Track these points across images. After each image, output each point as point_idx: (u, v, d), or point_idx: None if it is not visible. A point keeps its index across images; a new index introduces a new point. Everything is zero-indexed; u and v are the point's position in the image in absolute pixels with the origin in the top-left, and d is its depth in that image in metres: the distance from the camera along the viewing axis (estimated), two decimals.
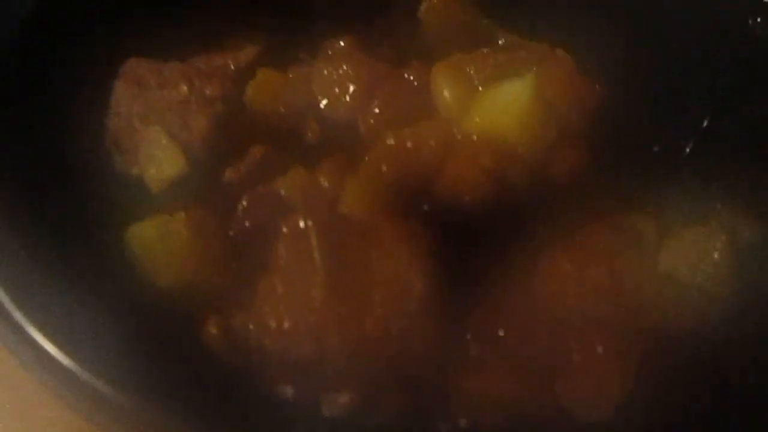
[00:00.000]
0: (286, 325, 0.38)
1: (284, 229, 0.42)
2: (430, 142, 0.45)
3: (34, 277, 0.33)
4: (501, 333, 0.39)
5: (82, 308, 0.33)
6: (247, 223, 0.45)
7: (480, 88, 0.52)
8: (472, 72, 0.53)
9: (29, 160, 0.40)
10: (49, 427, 0.45)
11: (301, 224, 0.42)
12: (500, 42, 0.65)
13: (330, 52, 0.56)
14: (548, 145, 0.46)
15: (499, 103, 0.46)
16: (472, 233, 0.44)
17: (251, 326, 0.41)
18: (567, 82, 0.49)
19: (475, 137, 0.46)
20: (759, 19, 0.51)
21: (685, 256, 0.42)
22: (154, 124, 0.47)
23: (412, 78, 0.54)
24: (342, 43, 0.56)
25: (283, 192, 0.47)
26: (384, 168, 0.45)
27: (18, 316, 0.31)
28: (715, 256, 0.41)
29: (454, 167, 0.45)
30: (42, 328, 0.31)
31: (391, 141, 0.45)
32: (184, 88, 0.48)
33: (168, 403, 0.31)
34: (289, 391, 0.38)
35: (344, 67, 0.52)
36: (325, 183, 0.50)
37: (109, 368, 0.31)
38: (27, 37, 0.44)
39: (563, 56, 0.58)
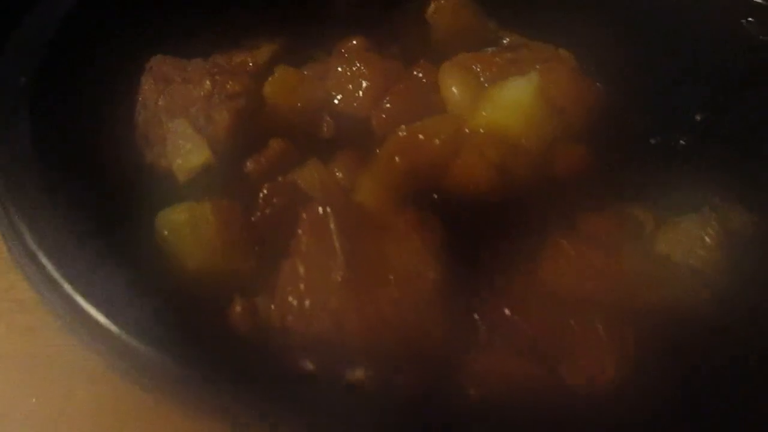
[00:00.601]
0: (307, 303, 0.41)
1: (304, 216, 0.44)
2: (440, 135, 0.48)
3: (81, 255, 0.36)
4: (507, 313, 0.42)
5: (121, 281, 0.36)
6: (267, 211, 0.47)
7: (486, 86, 0.54)
8: (478, 70, 0.55)
9: (72, 155, 0.43)
10: (84, 402, 0.48)
11: (320, 211, 0.44)
12: (505, 42, 0.67)
13: (343, 51, 0.59)
14: (551, 139, 0.49)
15: (505, 100, 0.48)
16: (480, 221, 0.47)
17: (273, 306, 0.44)
18: (569, 80, 0.51)
19: (482, 131, 0.48)
20: (751, 19, 0.53)
21: (680, 241, 0.45)
22: (180, 117, 0.49)
23: (421, 76, 0.56)
24: (355, 43, 0.59)
25: (300, 182, 0.50)
26: (397, 159, 0.47)
27: (68, 288, 0.35)
28: (707, 241, 0.44)
29: (462, 159, 0.47)
30: (88, 298, 0.35)
31: (403, 133, 0.48)
32: (208, 83, 0.50)
33: (193, 361, 0.34)
34: (309, 365, 0.41)
35: (357, 65, 0.55)
36: (339, 175, 0.52)
37: (144, 331, 0.34)
38: (63, 37, 0.47)
39: (566, 56, 0.61)
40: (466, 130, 0.49)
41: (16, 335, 0.51)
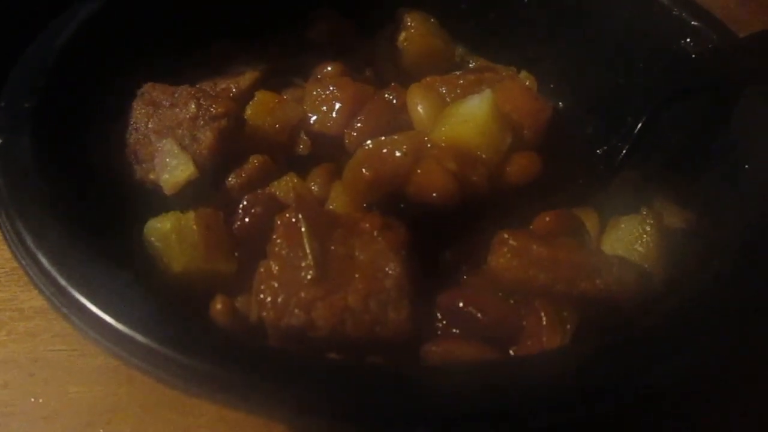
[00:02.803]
0: (280, 300, 0.45)
1: (278, 222, 0.49)
2: (403, 148, 0.52)
3: (80, 259, 0.41)
4: (461, 305, 0.46)
5: (116, 281, 0.41)
6: (247, 219, 0.51)
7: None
8: (444, 91, 0.60)
9: (70, 171, 0.48)
10: (81, 402, 0.52)
11: (293, 217, 0.48)
12: (471, 65, 0.72)
13: (319, 77, 0.64)
14: (505, 150, 0.53)
15: (462, 115, 0.53)
16: (439, 223, 0.51)
17: (251, 304, 0.48)
18: (522, 98, 0.55)
19: (443, 144, 0.53)
20: (689, 40, 0.58)
21: (621, 240, 0.50)
22: (167, 138, 0.54)
23: (391, 98, 0.61)
24: (330, 69, 0.64)
25: (278, 194, 0.55)
26: (363, 170, 0.52)
27: (69, 287, 0.39)
28: (646, 238, 0.49)
29: (423, 169, 0.51)
30: (87, 295, 0.39)
31: (369, 146, 0.52)
32: (193, 106, 0.55)
33: (188, 347, 0.38)
34: None
35: (331, 89, 0.59)
36: (315, 188, 0.57)
37: (139, 322, 0.38)
38: (62, 65, 0.52)
39: (524, 76, 0.66)
40: (428, 144, 0.53)
41: (18, 341, 0.55)
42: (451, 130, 0.53)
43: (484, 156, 0.52)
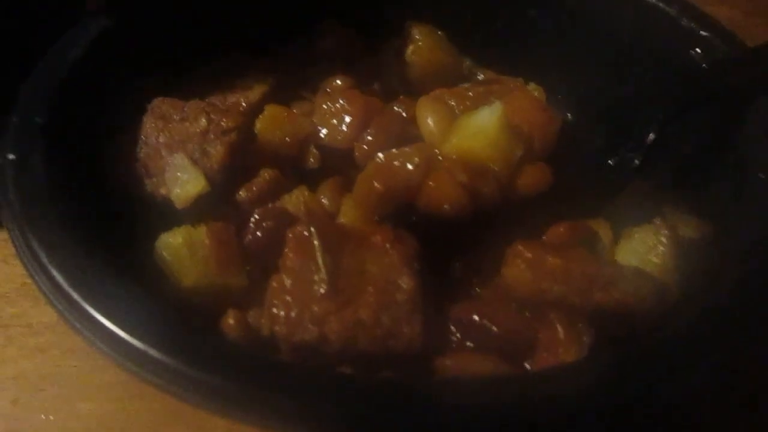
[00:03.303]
0: (293, 314, 0.45)
1: (290, 236, 0.48)
2: (414, 161, 0.52)
3: (93, 274, 0.41)
4: (476, 318, 0.46)
5: (129, 295, 0.40)
6: (258, 233, 0.51)
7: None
8: (452, 103, 0.60)
9: (81, 186, 0.48)
10: (91, 418, 0.51)
11: (304, 231, 0.48)
12: (480, 78, 0.72)
13: (328, 90, 0.64)
14: (515, 163, 0.53)
15: (472, 127, 0.53)
16: (451, 235, 0.51)
17: (263, 318, 0.48)
18: (530, 108, 0.55)
19: (453, 157, 0.53)
20: (698, 50, 0.58)
21: (635, 250, 0.49)
22: (178, 152, 0.54)
23: (400, 110, 0.61)
24: (339, 82, 0.64)
25: (288, 207, 0.55)
26: (374, 183, 0.52)
27: (82, 302, 0.39)
28: (661, 249, 0.48)
29: (435, 182, 0.52)
30: (100, 310, 0.39)
31: (380, 160, 0.52)
32: (203, 121, 0.55)
33: (196, 360, 0.38)
34: None
35: (341, 102, 0.59)
36: (325, 201, 0.57)
37: (151, 335, 0.38)
38: (73, 81, 0.52)
39: (533, 88, 0.66)
40: (439, 157, 0.53)
41: (27, 357, 0.55)
42: (462, 142, 0.53)
43: (495, 168, 0.52)
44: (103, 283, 0.40)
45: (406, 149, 0.53)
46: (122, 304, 0.40)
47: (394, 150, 0.53)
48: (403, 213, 0.53)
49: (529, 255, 0.45)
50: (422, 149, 0.54)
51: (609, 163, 0.54)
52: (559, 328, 0.43)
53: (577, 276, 0.44)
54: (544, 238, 0.49)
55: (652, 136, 0.52)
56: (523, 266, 0.45)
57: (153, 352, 0.37)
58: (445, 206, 0.51)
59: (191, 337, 0.40)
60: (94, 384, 0.53)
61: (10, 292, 0.59)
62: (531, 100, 0.56)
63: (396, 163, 0.52)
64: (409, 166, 0.52)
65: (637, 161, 0.53)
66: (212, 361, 0.39)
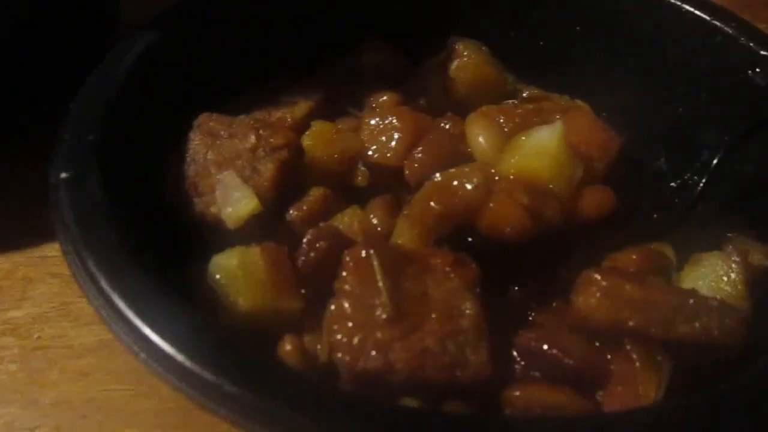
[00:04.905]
0: (355, 340, 0.43)
1: (347, 258, 0.47)
2: (472, 181, 0.51)
3: (149, 296, 0.39)
4: (545, 347, 0.44)
5: (184, 317, 0.39)
6: (312, 254, 0.49)
7: (509, 135, 0.57)
8: (501, 121, 0.59)
9: (135, 206, 0.46)
10: None
11: (363, 253, 0.47)
12: (524, 94, 0.71)
13: (375, 106, 0.63)
14: (576, 183, 0.51)
15: (532, 147, 0.51)
16: (513, 260, 0.49)
17: (320, 344, 0.46)
18: (590, 128, 0.54)
19: (512, 177, 0.52)
20: (758, 69, 0.57)
21: (704, 277, 0.48)
22: (228, 169, 0.53)
23: (448, 127, 0.60)
24: (386, 98, 0.63)
25: (341, 227, 0.53)
26: (432, 204, 0.50)
27: (138, 323, 0.38)
28: (732, 276, 0.47)
29: (494, 203, 0.50)
30: (157, 330, 0.38)
31: (438, 179, 0.51)
32: (253, 137, 0.53)
33: (253, 386, 0.37)
34: None
35: (389, 119, 0.57)
36: (374, 220, 0.55)
37: (207, 358, 0.37)
38: (122, 98, 0.51)
39: (584, 107, 0.65)
40: (496, 177, 0.52)
41: (70, 381, 0.53)
42: (521, 162, 0.51)
43: (555, 190, 0.51)
44: (166, 310, 0.39)
45: (465, 169, 0.52)
46: (183, 328, 0.39)
47: (452, 169, 0.52)
48: (461, 235, 0.51)
49: (605, 283, 0.43)
50: (481, 168, 0.52)
51: (672, 186, 0.53)
52: (637, 361, 0.41)
53: (659, 306, 0.42)
54: (613, 262, 0.47)
55: (717, 158, 0.50)
56: (598, 294, 0.43)
57: (228, 387, 0.35)
58: (507, 229, 0.49)
59: (254, 363, 0.39)
60: (140, 410, 0.51)
61: (50, 312, 0.57)
62: (590, 120, 0.55)
63: (455, 182, 0.51)
64: (468, 186, 0.51)
65: (701, 184, 0.51)
66: (276, 388, 0.37)
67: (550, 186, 0.51)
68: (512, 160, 0.52)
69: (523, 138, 0.53)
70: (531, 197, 0.50)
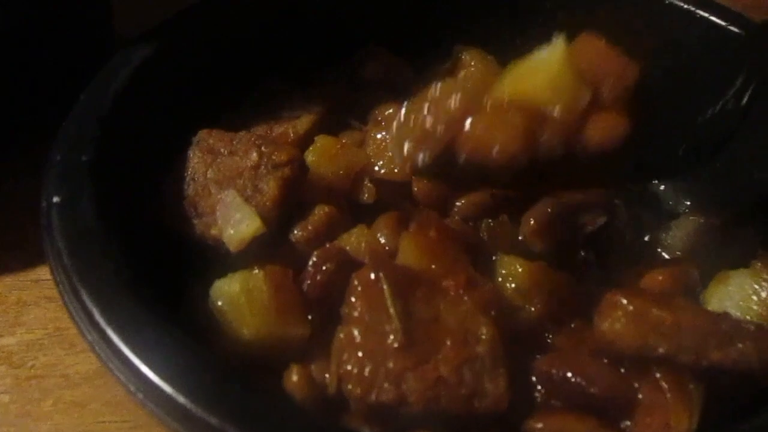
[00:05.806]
0: (367, 371, 0.41)
1: (355, 282, 0.44)
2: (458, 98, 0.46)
3: (143, 326, 0.37)
4: (568, 375, 0.41)
5: (181, 348, 0.37)
6: (318, 277, 0.47)
7: None
8: None
9: (130, 229, 0.44)
10: None
11: (372, 276, 0.44)
12: None
13: (380, 119, 0.61)
14: (580, 111, 0.46)
15: (529, 66, 0.46)
16: None
17: (329, 374, 0.43)
18: (603, 54, 0.47)
19: (505, 99, 0.46)
20: None
21: (732, 297, 0.45)
22: (229, 189, 0.50)
23: None
24: (391, 111, 0.60)
25: (348, 248, 0.50)
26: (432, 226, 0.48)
27: (131, 356, 0.36)
28: (763, 295, 0.44)
29: (484, 122, 0.45)
30: (149, 364, 0.36)
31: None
32: (255, 155, 0.51)
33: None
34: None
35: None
36: (381, 239, 0.53)
37: (202, 394, 0.35)
38: (116, 115, 0.48)
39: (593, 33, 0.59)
40: (487, 108, 0.47)
41: (64, 412, 0.50)
42: (516, 82, 0.46)
43: (555, 114, 0.45)
44: (164, 345, 0.36)
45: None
46: (180, 364, 0.36)
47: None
48: (447, 165, 0.47)
49: (631, 307, 0.40)
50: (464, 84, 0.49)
51: (699, 120, 0.47)
52: (667, 390, 0.38)
53: (689, 331, 0.39)
54: (638, 284, 0.45)
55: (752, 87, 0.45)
56: (623, 319, 0.40)
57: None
58: (494, 150, 0.45)
59: (261, 404, 0.36)
60: None
61: (43, 339, 0.55)
62: (602, 45, 0.48)
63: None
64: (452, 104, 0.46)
65: (738, 117, 0.45)
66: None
67: (549, 108, 0.45)
68: (506, 81, 0.47)
69: (520, 61, 0.48)
70: (524, 118, 0.45)
